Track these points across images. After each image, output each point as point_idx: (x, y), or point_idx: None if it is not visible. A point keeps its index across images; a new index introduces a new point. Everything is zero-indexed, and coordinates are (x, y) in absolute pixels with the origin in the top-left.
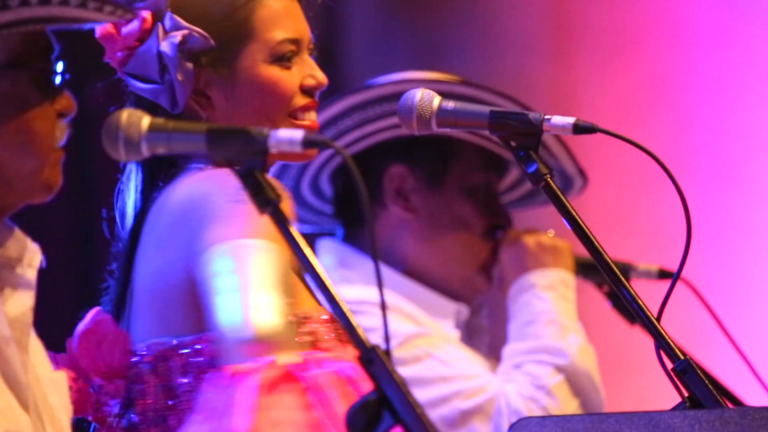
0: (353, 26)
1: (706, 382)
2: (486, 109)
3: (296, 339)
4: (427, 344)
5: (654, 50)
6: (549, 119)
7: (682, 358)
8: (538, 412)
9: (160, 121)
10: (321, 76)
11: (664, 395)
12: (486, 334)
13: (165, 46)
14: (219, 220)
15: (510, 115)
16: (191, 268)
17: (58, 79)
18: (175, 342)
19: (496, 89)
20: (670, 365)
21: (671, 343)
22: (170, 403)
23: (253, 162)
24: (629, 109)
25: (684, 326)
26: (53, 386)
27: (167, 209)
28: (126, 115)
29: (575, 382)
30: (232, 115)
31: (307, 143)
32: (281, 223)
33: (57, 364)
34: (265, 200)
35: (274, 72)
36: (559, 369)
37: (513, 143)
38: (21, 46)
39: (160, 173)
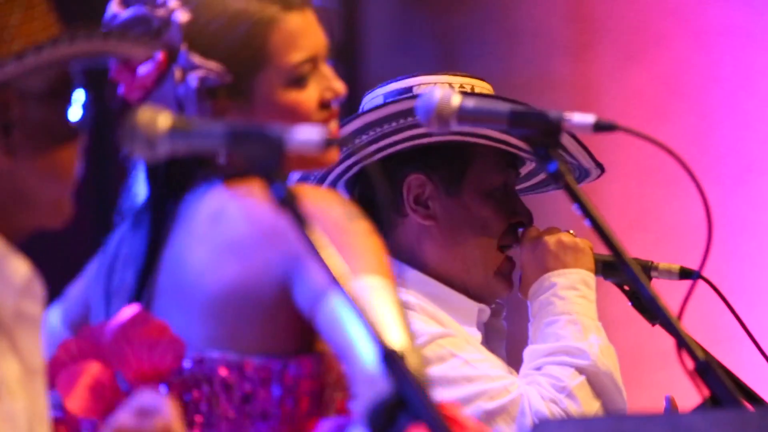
0: (371, 27)
1: (727, 381)
2: (506, 107)
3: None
4: (451, 345)
5: (676, 48)
6: (569, 117)
7: (703, 357)
8: (559, 414)
9: (181, 119)
10: (339, 87)
11: (685, 395)
12: (505, 336)
13: (183, 90)
14: (340, 250)
15: (530, 113)
16: (287, 287)
17: (79, 112)
18: (242, 359)
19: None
20: (691, 365)
21: (692, 343)
22: (216, 415)
23: (271, 162)
24: (650, 107)
25: (706, 325)
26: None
27: (244, 215)
28: (146, 113)
29: (597, 383)
30: None
31: (325, 143)
32: (298, 223)
33: (84, 356)
34: (281, 200)
35: (291, 97)
36: (581, 370)
37: (533, 141)
38: (59, 77)
39: (176, 176)
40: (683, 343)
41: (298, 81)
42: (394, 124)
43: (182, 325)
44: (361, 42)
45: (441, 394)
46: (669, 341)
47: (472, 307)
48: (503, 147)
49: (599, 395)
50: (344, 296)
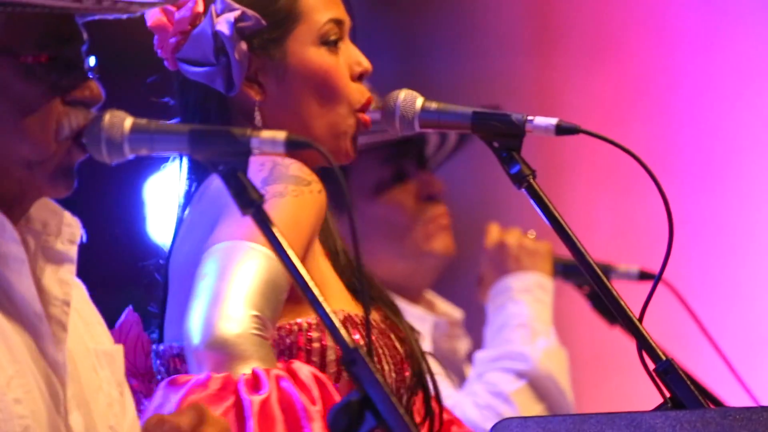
0: None
1: (688, 382)
2: (469, 109)
3: (262, 350)
4: None
5: (637, 50)
6: (531, 120)
7: (664, 358)
8: (494, 420)
9: (143, 121)
10: (367, 63)
11: (646, 396)
12: (462, 356)
13: (221, 26)
14: (229, 217)
15: (493, 116)
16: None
17: (50, 67)
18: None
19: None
20: (651, 366)
21: (653, 344)
22: None
23: (236, 163)
24: (612, 109)
25: (666, 327)
26: (106, 359)
27: (204, 196)
28: (108, 116)
29: (539, 386)
30: (285, 104)
31: (289, 144)
32: (264, 224)
33: None
34: (247, 201)
35: (323, 57)
36: (521, 374)
37: (496, 144)
38: (5, 33)
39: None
40: (644, 345)
41: (328, 41)
42: None
43: (167, 316)
44: None
45: None
46: (630, 342)
47: (425, 319)
48: (375, 142)
49: (542, 399)
50: (311, 297)
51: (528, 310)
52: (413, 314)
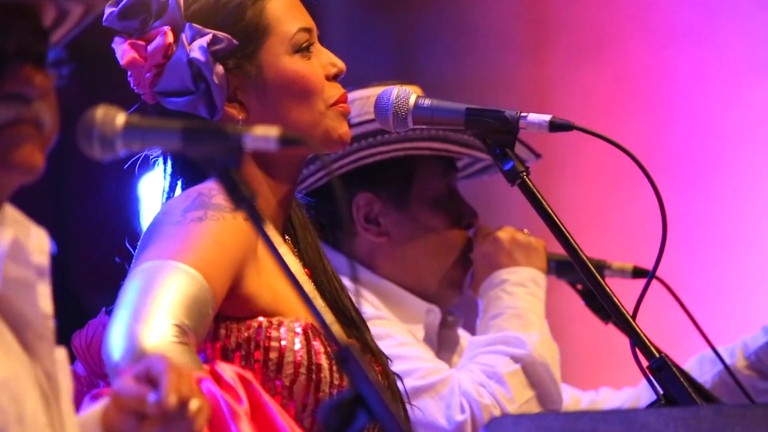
0: (329, 25)
1: (681, 380)
2: (462, 106)
3: (183, 358)
4: (386, 326)
5: (630, 47)
6: (525, 117)
7: (658, 356)
8: (487, 398)
9: (135, 118)
10: (340, 63)
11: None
12: (458, 348)
13: (195, 52)
14: (156, 240)
15: (486, 112)
16: None
17: None
18: None
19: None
20: (645, 363)
21: (647, 341)
22: None
23: (229, 160)
24: (605, 106)
25: (660, 324)
26: (61, 366)
27: (158, 212)
28: (101, 112)
29: (532, 373)
30: (268, 116)
31: (283, 140)
32: (256, 221)
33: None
34: (239, 198)
35: (298, 65)
36: (516, 359)
37: (489, 141)
38: None
39: (183, 178)
40: (638, 342)
41: (301, 49)
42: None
43: None
44: (319, 41)
45: None
46: (624, 339)
47: (421, 307)
48: (444, 154)
49: (534, 385)
50: (303, 295)
51: (522, 302)
52: (422, 306)
